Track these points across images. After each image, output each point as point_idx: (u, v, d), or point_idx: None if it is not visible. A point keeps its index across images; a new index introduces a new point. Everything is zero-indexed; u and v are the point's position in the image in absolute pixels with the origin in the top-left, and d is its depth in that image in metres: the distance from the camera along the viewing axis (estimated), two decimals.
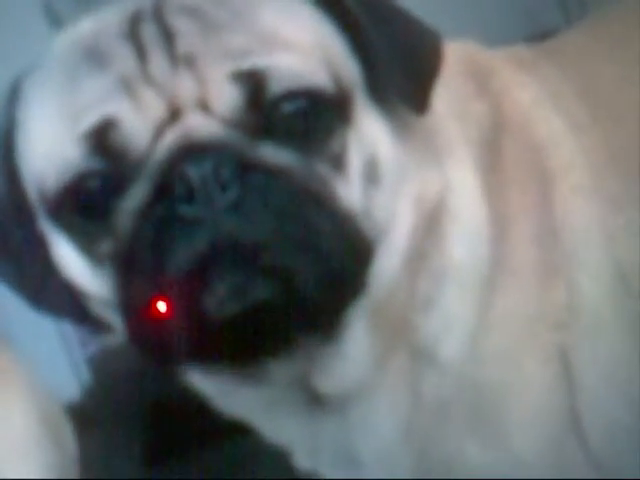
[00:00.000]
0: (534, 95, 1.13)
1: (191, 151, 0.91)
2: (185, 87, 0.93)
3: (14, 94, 1.02)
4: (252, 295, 0.91)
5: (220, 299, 0.91)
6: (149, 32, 0.95)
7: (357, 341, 1.03)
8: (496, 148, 1.09)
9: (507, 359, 1.07)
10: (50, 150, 0.96)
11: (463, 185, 1.07)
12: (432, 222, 1.05)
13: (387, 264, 1.01)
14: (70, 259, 0.99)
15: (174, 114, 0.93)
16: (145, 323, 0.93)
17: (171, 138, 0.92)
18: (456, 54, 1.09)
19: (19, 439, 1.16)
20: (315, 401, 1.06)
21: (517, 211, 1.08)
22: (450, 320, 1.06)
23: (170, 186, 0.91)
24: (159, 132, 0.92)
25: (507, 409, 1.07)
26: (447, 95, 1.06)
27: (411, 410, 1.08)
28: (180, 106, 0.93)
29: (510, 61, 1.15)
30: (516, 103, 1.12)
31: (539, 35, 1.26)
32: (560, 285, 1.08)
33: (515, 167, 1.09)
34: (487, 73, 1.13)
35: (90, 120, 0.93)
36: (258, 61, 0.93)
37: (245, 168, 0.91)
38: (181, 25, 0.95)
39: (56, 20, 2.16)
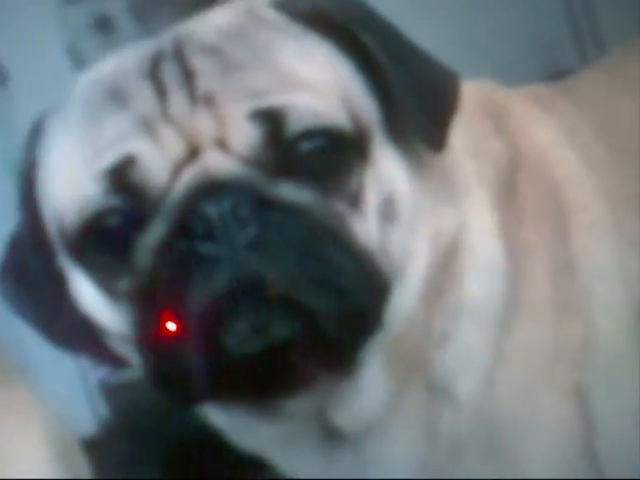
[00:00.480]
0: (551, 133, 1.13)
1: (210, 189, 0.92)
2: (204, 125, 0.94)
3: (36, 132, 1.03)
4: (271, 333, 0.91)
5: (239, 337, 0.91)
6: (169, 72, 0.96)
7: (373, 376, 1.03)
8: (512, 186, 1.09)
9: (523, 396, 1.07)
10: (70, 187, 0.97)
11: (479, 222, 1.07)
12: (448, 259, 1.05)
13: (403, 300, 1.02)
14: (88, 295, 1.00)
15: (193, 152, 0.94)
16: (163, 360, 0.94)
17: (190, 176, 0.93)
18: (473, 93, 1.09)
19: (33, 473, 1.15)
20: (331, 436, 1.06)
21: (533, 248, 1.08)
22: (466, 356, 1.06)
23: (189, 224, 0.91)
24: (178, 170, 0.93)
25: (523, 446, 1.07)
26: (464, 133, 1.07)
27: (426, 445, 1.07)
28: (199, 144, 0.94)
29: (527, 99, 1.16)
30: (533, 141, 1.12)
31: (556, 74, 1.26)
32: (576, 323, 1.08)
33: (531, 205, 1.09)
34: (504, 112, 1.13)
35: (110, 158, 0.94)
36: (277, 100, 0.94)
37: (263, 206, 0.92)
38: (201, 65, 0.96)
39: (80, 60, 2.19)
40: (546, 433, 1.07)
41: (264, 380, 0.96)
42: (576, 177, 1.11)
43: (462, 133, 1.06)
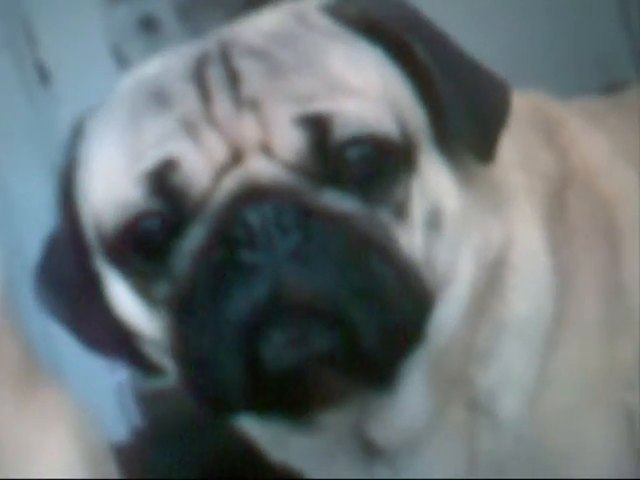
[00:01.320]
0: (603, 148, 1.12)
1: (252, 195, 0.91)
2: (248, 130, 0.93)
3: (77, 132, 1.03)
4: (311, 346, 0.90)
5: (277, 348, 0.90)
6: (214, 74, 0.95)
7: (413, 392, 1.02)
8: (562, 201, 1.07)
9: (568, 419, 1.05)
10: (110, 189, 0.97)
11: (526, 237, 1.06)
12: (494, 274, 1.04)
13: (447, 315, 1.00)
14: (125, 299, 0.99)
15: (236, 157, 0.93)
16: (198, 369, 0.93)
17: (232, 181, 0.92)
18: (524, 104, 1.08)
19: (61, 477, 1.15)
20: (368, 451, 1.05)
21: (582, 266, 1.06)
22: (509, 375, 1.04)
23: (230, 230, 0.91)
24: (220, 174, 0.92)
25: (568, 470, 1.05)
26: (513, 145, 1.05)
27: (466, 465, 1.06)
28: (242, 149, 0.93)
29: (580, 113, 1.14)
30: (584, 156, 1.10)
31: (611, 86, 1.25)
32: (627, 344, 1.06)
33: (581, 221, 1.07)
34: (555, 125, 1.11)
35: (151, 160, 0.94)
36: (323, 106, 0.93)
37: (307, 214, 0.91)
38: (247, 67, 0.95)
39: (124, 60, 2.20)
40: (593, 456, 1.05)
41: (301, 393, 0.95)
42: (629, 196, 1.10)
43: (511, 145, 1.04)
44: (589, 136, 1.12)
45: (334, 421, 1.02)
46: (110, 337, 1.03)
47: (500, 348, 1.04)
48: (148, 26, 2.27)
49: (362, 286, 0.91)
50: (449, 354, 1.02)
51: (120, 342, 1.02)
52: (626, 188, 1.10)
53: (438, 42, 1.00)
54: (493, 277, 1.03)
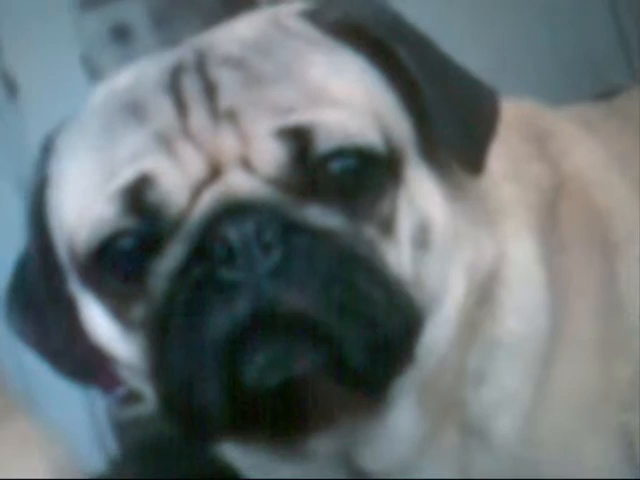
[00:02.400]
0: (597, 157, 1.12)
1: (232, 211, 0.91)
2: (227, 143, 0.93)
3: (48, 148, 1.03)
4: (293, 366, 0.90)
5: (259, 369, 0.90)
6: (190, 85, 0.95)
7: (404, 416, 1.02)
8: (555, 213, 1.08)
9: (565, 440, 1.06)
10: (83, 207, 0.96)
11: (519, 251, 1.06)
12: (486, 290, 1.04)
13: (437, 334, 1.00)
14: (100, 322, 0.99)
15: (214, 171, 0.93)
16: (177, 394, 0.93)
17: (211, 197, 0.92)
18: (514, 113, 1.08)
19: None
20: (358, 478, 1.04)
21: (577, 281, 1.07)
22: (503, 396, 1.05)
23: (209, 248, 0.90)
24: (198, 190, 0.92)
25: None
26: (504, 156, 1.06)
27: None
28: (221, 163, 0.93)
29: (572, 121, 1.15)
30: (577, 166, 1.11)
31: (603, 93, 1.26)
32: (625, 362, 1.06)
33: (575, 234, 1.08)
34: (547, 133, 1.12)
35: (126, 176, 0.93)
36: (304, 117, 0.93)
37: (289, 230, 0.91)
38: (224, 78, 0.95)
39: (95, 71, 2.19)
40: (591, 477, 1.05)
41: (285, 417, 0.95)
42: (624, 205, 1.10)
43: (502, 156, 1.05)
44: (582, 144, 1.13)
45: (321, 447, 1.02)
46: (86, 363, 1.02)
47: (494, 368, 1.04)
48: (121, 35, 2.27)
49: (347, 304, 0.91)
50: (440, 375, 1.02)
51: (96, 368, 1.02)
52: (622, 198, 1.11)
53: (423, 48, 1.00)
54: (485, 294, 1.04)
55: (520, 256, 1.06)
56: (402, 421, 1.02)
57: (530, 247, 1.06)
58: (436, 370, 1.02)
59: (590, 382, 1.06)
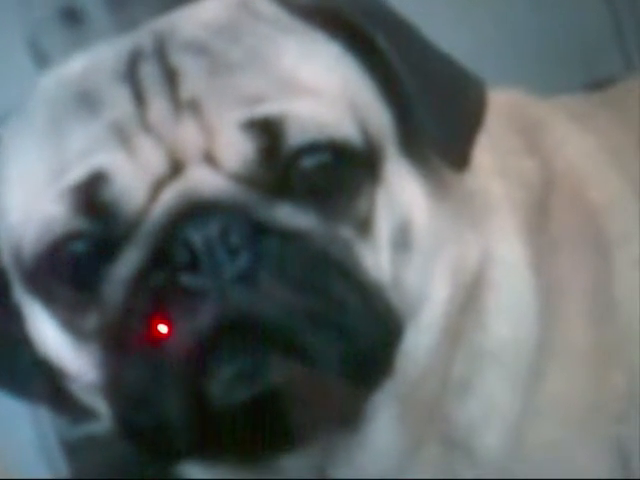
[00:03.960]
0: (590, 151, 1.12)
1: (195, 211, 0.90)
2: (189, 136, 0.91)
3: None
4: (263, 379, 0.89)
5: (226, 384, 0.89)
6: (149, 72, 0.94)
7: (383, 431, 1.02)
8: (545, 211, 1.08)
9: (555, 453, 1.05)
10: (29, 207, 0.95)
11: (507, 252, 1.06)
12: (471, 294, 1.04)
13: (418, 342, 1.00)
14: (50, 334, 0.98)
15: (175, 168, 0.91)
16: (136, 410, 0.91)
17: (171, 195, 0.91)
18: (502, 104, 1.08)
19: None
20: None
21: (569, 284, 1.06)
22: (490, 408, 1.05)
23: (170, 252, 0.89)
24: (158, 188, 0.91)
25: None
26: (490, 150, 1.06)
27: None
28: (183, 158, 0.91)
29: (563, 112, 1.15)
30: (569, 160, 1.11)
31: (596, 83, 1.27)
32: (618, 370, 1.06)
33: (567, 233, 1.08)
34: (537, 126, 1.12)
35: (77, 173, 0.92)
36: (274, 108, 0.91)
37: (257, 232, 0.89)
38: (186, 65, 0.94)
39: (42, 58, 2.17)
40: None
41: (254, 434, 0.94)
42: (619, 202, 1.10)
43: (488, 150, 1.05)
44: (575, 138, 1.13)
45: (293, 465, 1.01)
46: (33, 378, 1.01)
47: (479, 378, 1.04)
48: (71, 17, 2.24)
49: (321, 312, 0.90)
50: (422, 386, 1.02)
51: (45, 384, 1.01)
52: (616, 195, 1.11)
53: (403, 34, 0.99)
54: (470, 299, 1.03)
55: (508, 257, 1.05)
56: (381, 436, 1.02)
57: (518, 248, 1.06)
58: (417, 381, 1.01)
59: (582, 392, 1.06)
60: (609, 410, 1.06)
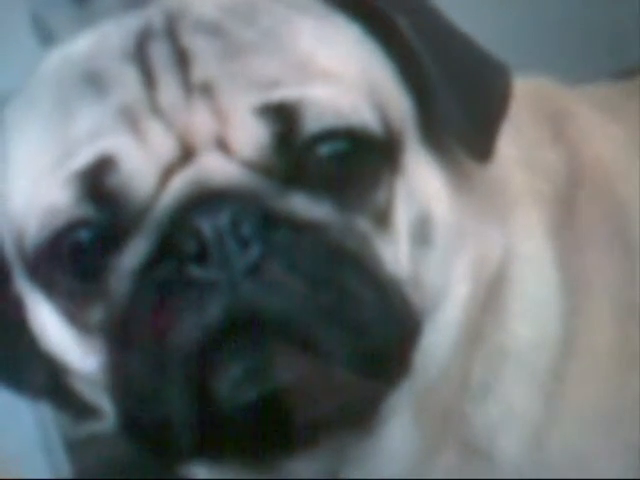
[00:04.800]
0: (619, 142, 1.12)
1: (205, 200, 0.89)
2: (201, 121, 0.91)
3: None
4: (274, 377, 0.88)
5: (235, 381, 0.88)
6: (159, 53, 0.93)
7: (398, 434, 1.02)
8: (572, 205, 1.07)
9: (579, 459, 1.05)
10: (33, 193, 0.94)
11: (531, 249, 1.05)
12: (493, 292, 1.03)
13: (437, 341, 0.99)
14: (52, 327, 0.97)
15: (186, 154, 0.91)
16: (141, 408, 0.91)
17: (181, 183, 0.90)
18: (528, 92, 1.07)
19: None
20: None
21: (595, 282, 1.06)
22: (510, 412, 1.04)
23: (178, 242, 0.88)
24: (167, 175, 0.90)
25: None
26: (516, 141, 1.05)
27: None
28: (194, 144, 0.91)
29: (591, 102, 1.15)
30: (597, 151, 1.10)
31: (626, 71, 1.26)
32: None
33: (594, 229, 1.07)
34: (564, 116, 1.11)
35: (83, 158, 0.91)
36: (290, 92, 0.91)
37: (270, 222, 0.89)
38: (198, 46, 0.93)
39: (47, 36, 2.17)
40: None
41: (263, 435, 0.93)
42: None
43: (513, 140, 1.04)
44: (603, 128, 1.13)
45: (303, 469, 1.00)
46: (35, 373, 1.01)
47: (500, 380, 1.03)
48: None
49: (335, 307, 0.89)
50: (440, 388, 1.02)
51: (47, 379, 1.01)
52: None
53: (426, 17, 0.98)
54: (491, 297, 1.03)
55: (531, 254, 1.05)
56: (396, 439, 1.01)
57: (543, 244, 1.05)
58: (435, 382, 1.01)
59: (605, 396, 1.05)
60: (632, 414, 1.05)
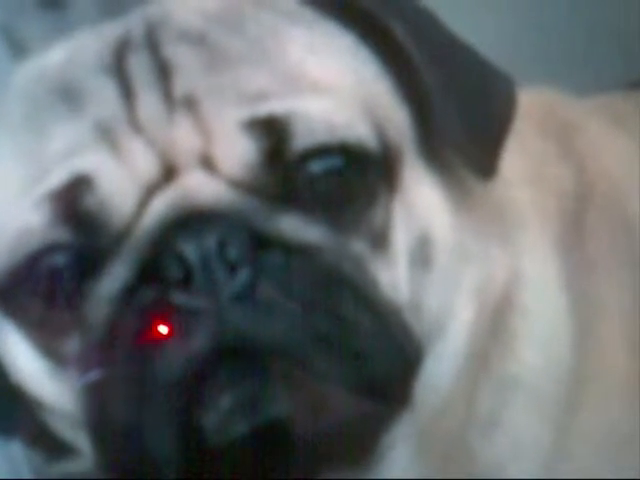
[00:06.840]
0: (629, 157, 1.12)
1: (189, 221, 0.89)
2: (183, 137, 0.90)
3: None
4: (265, 411, 0.88)
5: (224, 414, 0.87)
6: (139, 65, 0.93)
7: (399, 469, 1.02)
8: (580, 224, 1.08)
9: None
10: (4, 215, 0.94)
11: (538, 272, 1.06)
12: (498, 317, 1.03)
13: (440, 370, 0.99)
14: (24, 359, 0.97)
15: (168, 173, 0.90)
16: (121, 445, 0.90)
17: (163, 203, 0.89)
18: (533, 104, 1.08)
19: None
20: None
21: (605, 306, 1.06)
22: (519, 444, 1.04)
23: (160, 267, 0.88)
24: (148, 195, 0.90)
25: None
26: (521, 156, 1.06)
27: None
28: (176, 162, 0.90)
29: (601, 114, 1.16)
30: (606, 167, 1.11)
31: (635, 82, 1.27)
32: None
33: (602, 248, 1.08)
34: (572, 129, 1.12)
35: (57, 177, 0.91)
36: (279, 106, 0.90)
37: (259, 245, 0.88)
38: (181, 57, 0.93)
39: (18, 47, 2.17)
40: None
41: (255, 472, 0.92)
42: None
43: (518, 156, 1.05)
44: (612, 142, 1.13)
45: None
46: (5, 409, 1.00)
47: (508, 411, 1.04)
48: (51, 1, 2.25)
49: (330, 335, 0.88)
50: (444, 420, 1.02)
51: (19, 416, 1.00)
52: None
53: (424, 24, 0.98)
54: (497, 323, 1.03)
55: (539, 277, 1.05)
56: (397, 475, 1.01)
57: (551, 266, 1.06)
58: (438, 413, 1.01)
59: (620, 427, 1.06)
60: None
